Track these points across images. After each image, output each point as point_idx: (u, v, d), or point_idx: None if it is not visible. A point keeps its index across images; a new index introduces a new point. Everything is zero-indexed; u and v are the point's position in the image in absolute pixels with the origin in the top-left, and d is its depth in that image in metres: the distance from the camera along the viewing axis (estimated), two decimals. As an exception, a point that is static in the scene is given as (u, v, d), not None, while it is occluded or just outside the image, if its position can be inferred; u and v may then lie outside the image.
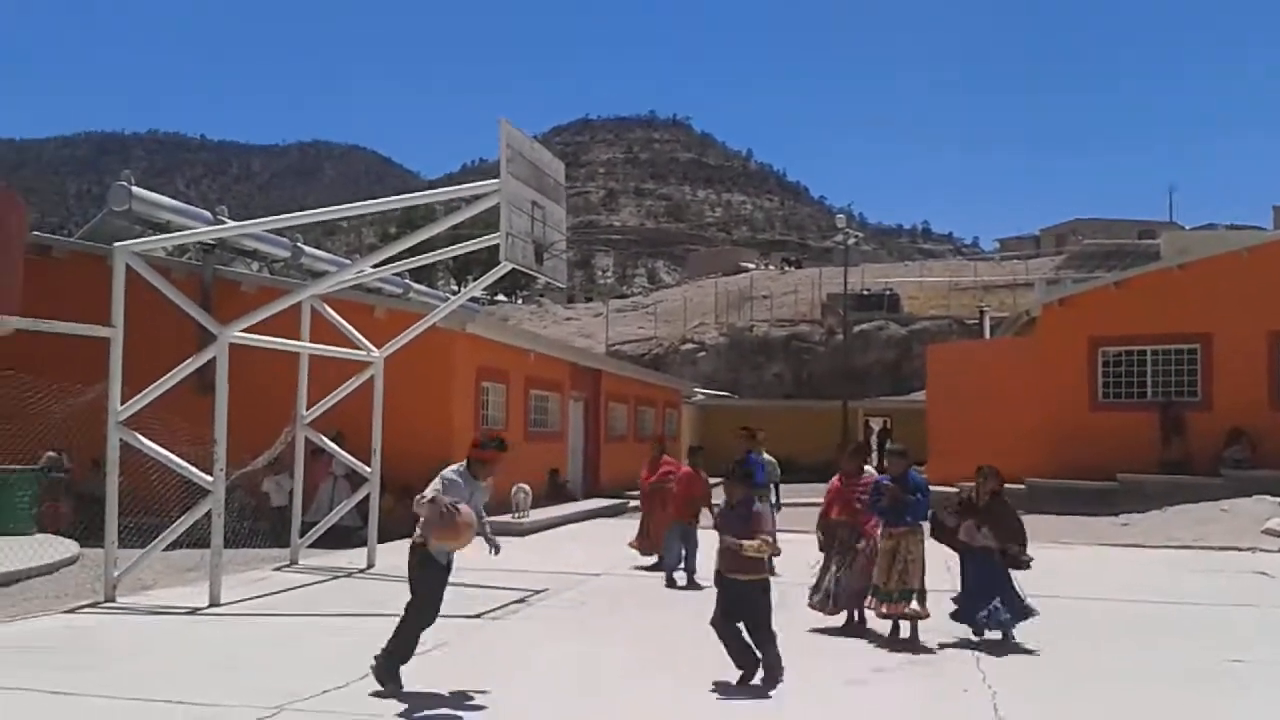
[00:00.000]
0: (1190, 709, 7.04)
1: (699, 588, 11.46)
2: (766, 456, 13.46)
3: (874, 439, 41.30)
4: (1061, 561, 15.09)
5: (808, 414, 40.32)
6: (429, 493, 6.95)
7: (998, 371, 25.08)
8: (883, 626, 9.17)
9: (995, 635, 8.83)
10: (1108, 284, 25.67)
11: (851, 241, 43.68)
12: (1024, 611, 8.94)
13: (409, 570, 7.25)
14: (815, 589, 9.52)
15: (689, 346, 55.66)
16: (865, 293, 56.33)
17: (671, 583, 12.14)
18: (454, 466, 7.40)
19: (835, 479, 9.80)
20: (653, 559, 13.49)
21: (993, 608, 8.75)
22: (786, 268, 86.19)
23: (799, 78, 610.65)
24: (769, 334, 55.20)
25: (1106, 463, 22.03)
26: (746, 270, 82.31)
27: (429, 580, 7.16)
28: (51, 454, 15.91)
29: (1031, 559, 9.24)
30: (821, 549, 9.67)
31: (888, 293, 57.21)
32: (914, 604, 8.84)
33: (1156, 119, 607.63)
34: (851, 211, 54.38)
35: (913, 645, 8.69)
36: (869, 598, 9.09)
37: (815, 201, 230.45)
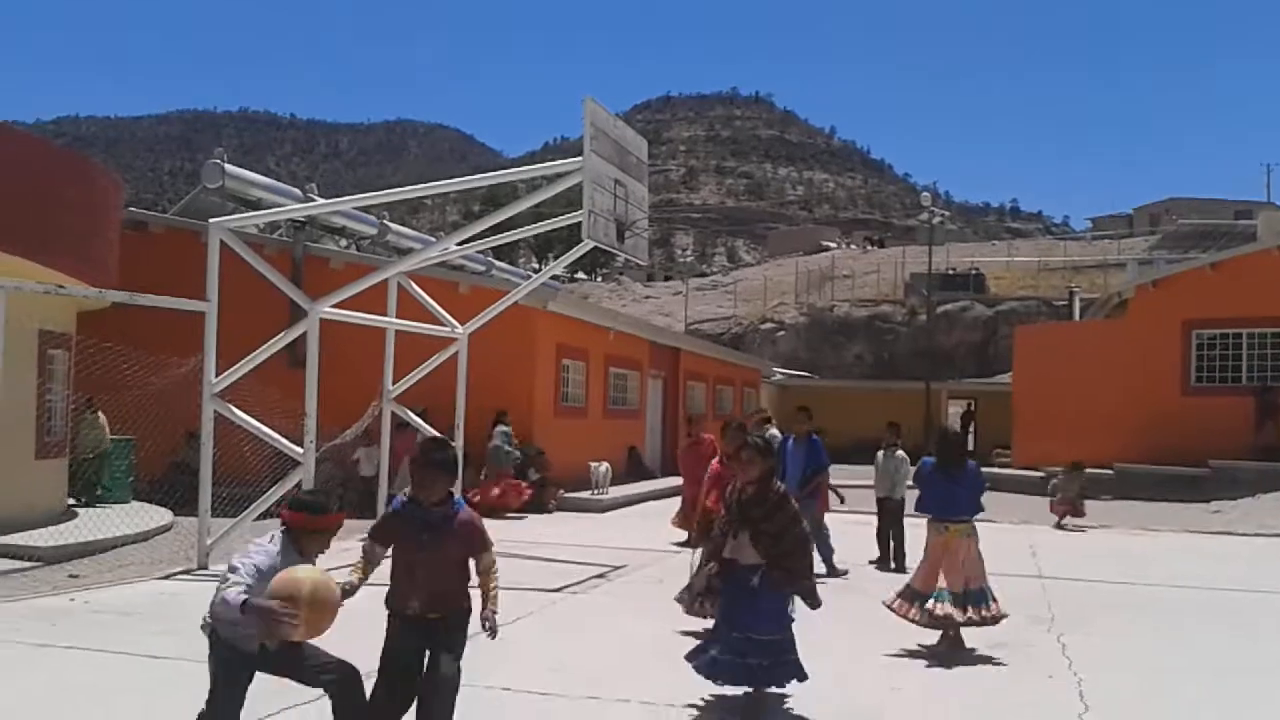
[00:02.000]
0: (1285, 702, 6.86)
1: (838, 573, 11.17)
2: (774, 432, 12.96)
3: (956, 423, 40.70)
4: (1149, 548, 14.79)
5: (889, 395, 39.82)
6: (233, 594, 4.19)
7: (1088, 354, 24.55)
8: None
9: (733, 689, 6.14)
10: (1203, 265, 24.98)
11: (936, 220, 42.95)
12: (780, 670, 6.01)
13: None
14: (687, 585, 7.66)
15: (768, 326, 55.38)
16: (950, 272, 55.44)
17: None
18: (263, 543, 4.56)
19: (715, 462, 8.55)
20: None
21: (712, 657, 5.99)
22: (869, 247, 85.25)
23: (884, 54, 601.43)
24: (850, 314, 54.65)
25: (1198, 448, 21.46)
26: (828, 249, 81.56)
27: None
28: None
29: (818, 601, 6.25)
30: (690, 544, 8.95)
31: (973, 272, 56.21)
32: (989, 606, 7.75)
33: (1254, 96, 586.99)
34: (937, 189, 53.51)
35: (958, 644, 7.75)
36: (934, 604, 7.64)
37: (899, 179, 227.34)
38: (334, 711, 4.63)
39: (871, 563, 11.95)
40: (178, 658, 7.03)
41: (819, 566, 11.17)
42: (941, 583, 7.66)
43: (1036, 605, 9.85)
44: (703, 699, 6.32)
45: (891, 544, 11.98)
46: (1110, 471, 22.24)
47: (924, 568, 7.91)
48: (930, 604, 7.64)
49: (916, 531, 9.44)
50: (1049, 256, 64.76)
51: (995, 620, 7.77)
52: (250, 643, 4.39)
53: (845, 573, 11.21)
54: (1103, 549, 14.58)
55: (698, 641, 6.41)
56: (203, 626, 4.48)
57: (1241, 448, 21.27)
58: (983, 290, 54.70)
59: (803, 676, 6.04)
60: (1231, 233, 53.44)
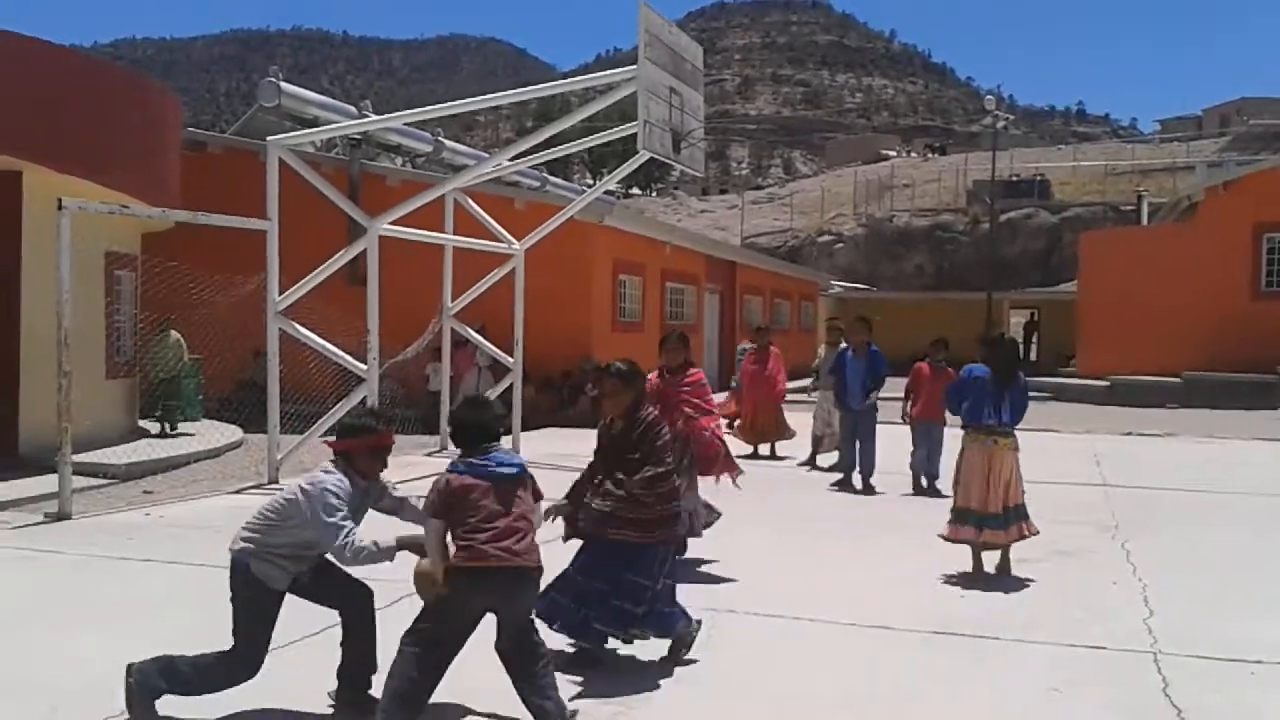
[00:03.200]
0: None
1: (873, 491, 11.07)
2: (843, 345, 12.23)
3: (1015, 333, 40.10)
4: (1216, 456, 14.58)
5: (950, 306, 39.33)
6: (363, 541, 4.27)
7: (1155, 260, 24.00)
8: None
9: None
10: (1275, 167, 24.26)
11: (1000, 125, 42.03)
12: (660, 623, 5.27)
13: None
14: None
15: (826, 238, 54.76)
16: (1014, 179, 54.26)
17: (847, 484, 11.27)
18: (329, 477, 4.42)
19: (653, 375, 7.28)
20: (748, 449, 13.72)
21: (583, 615, 5.16)
22: (930, 154, 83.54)
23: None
24: (910, 224, 53.83)
25: (1269, 355, 21.02)
26: (887, 158, 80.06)
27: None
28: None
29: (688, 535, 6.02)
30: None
31: (1038, 179, 54.94)
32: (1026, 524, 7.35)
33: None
34: (1000, 93, 51.90)
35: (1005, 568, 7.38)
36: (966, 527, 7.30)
37: (962, 84, 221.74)
38: (348, 632, 4.62)
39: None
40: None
41: (856, 480, 11.17)
42: (994, 505, 7.17)
43: (1100, 512, 9.79)
44: (761, 607, 6.39)
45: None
46: (1178, 379, 21.88)
47: (974, 485, 7.26)
48: (992, 531, 7.21)
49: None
50: (1116, 160, 63.01)
51: (1033, 534, 7.39)
52: (281, 581, 4.44)
53: (876, 492, 11.01)
54: (1168, 457, 14.40)
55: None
56: (239, 555, 4.44)
57: (1314, 354, 20.81)
58: (1047, 197, 53.50)
59: (676, 629, 5.35)
60: (1307, 132, 51.57)
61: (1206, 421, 18.28)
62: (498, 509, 4.32)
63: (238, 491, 10.66)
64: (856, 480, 11.25)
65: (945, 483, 9.20)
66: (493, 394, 15.29)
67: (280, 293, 11.33)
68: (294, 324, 11.33)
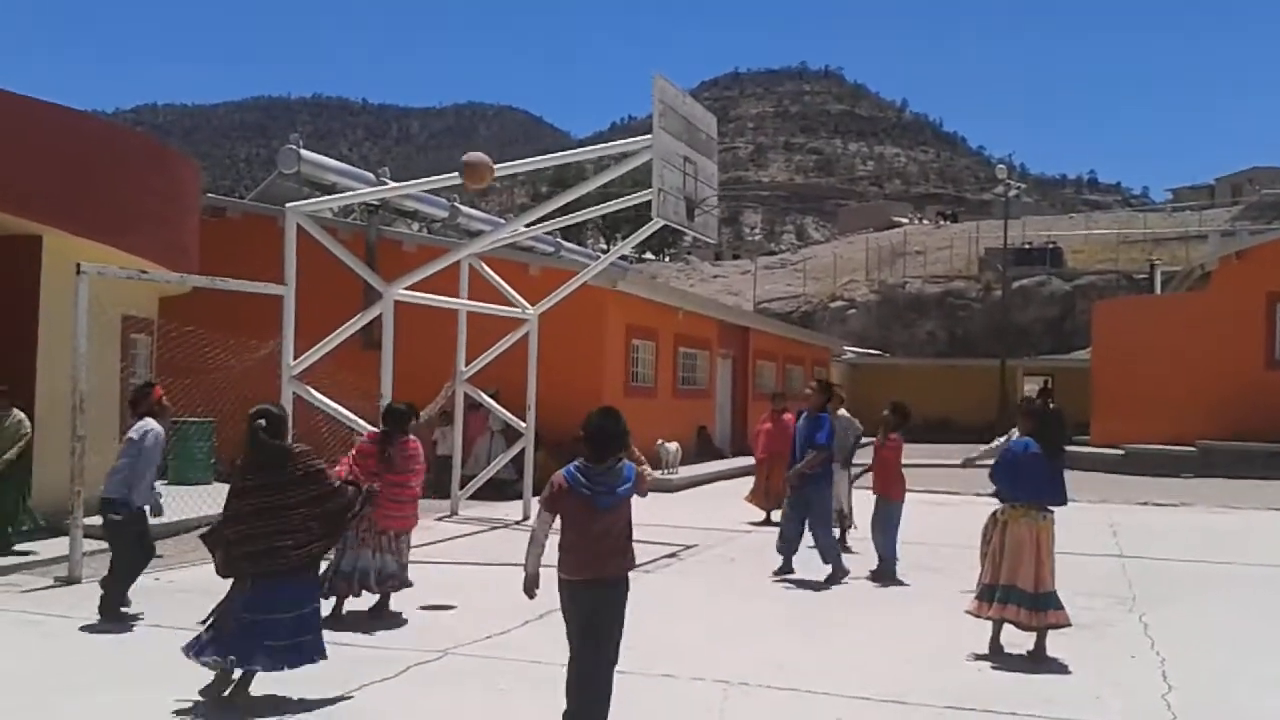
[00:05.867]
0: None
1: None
2: (843, 413, 11.30)
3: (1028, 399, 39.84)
4: (1232, 526, 14.44)
5: (963, 373, 39.31)
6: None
7: (1169, 328, 23.96)
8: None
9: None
10: (1289, 236, 24.21)
11: (1012, 193, 42.16)
12: (299, 651, 5.82)
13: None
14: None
15: (838, 304, 54.85)
16: (1026, 246, 54.40)
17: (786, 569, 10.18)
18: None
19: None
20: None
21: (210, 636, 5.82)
22: (942, 222, 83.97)
23: (956, 23, 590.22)
24: (923, 290, 53.91)
25: (1286, 425, 20.87)
26: (899, 225, 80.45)
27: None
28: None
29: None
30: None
31: (1050, 246, 55.07)
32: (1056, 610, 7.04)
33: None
34: (1012, 162, 52.16)
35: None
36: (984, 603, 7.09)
37: (973, 152, 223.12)
38: None
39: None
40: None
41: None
42: (1044, 585, 6.94)
43: (1117, 584, 9.69)
44: (773, 679, 6.32)
45: None
46: (1193, 448, 21.72)
47: (1024, 562, 6.96)
48: (1047, 613, 6.94)
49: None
50: (1128, 229, 63.19)
51: (1069, 623, 7.09)
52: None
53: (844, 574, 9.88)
54: (1184, 527, 14.26)
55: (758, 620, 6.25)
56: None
57: (1330, 423, 20.66)
58: (1060, 264, 53.59)
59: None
60: (1319, 202, 51.73)
61: (1222, 491, 18.12)
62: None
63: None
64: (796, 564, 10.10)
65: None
66: (505, 458, 15.32)
67: (295, 357, 11.39)
68: (308, 388, 11.37)
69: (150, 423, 8.12)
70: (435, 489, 15.51)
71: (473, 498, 14.55)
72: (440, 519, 13.45)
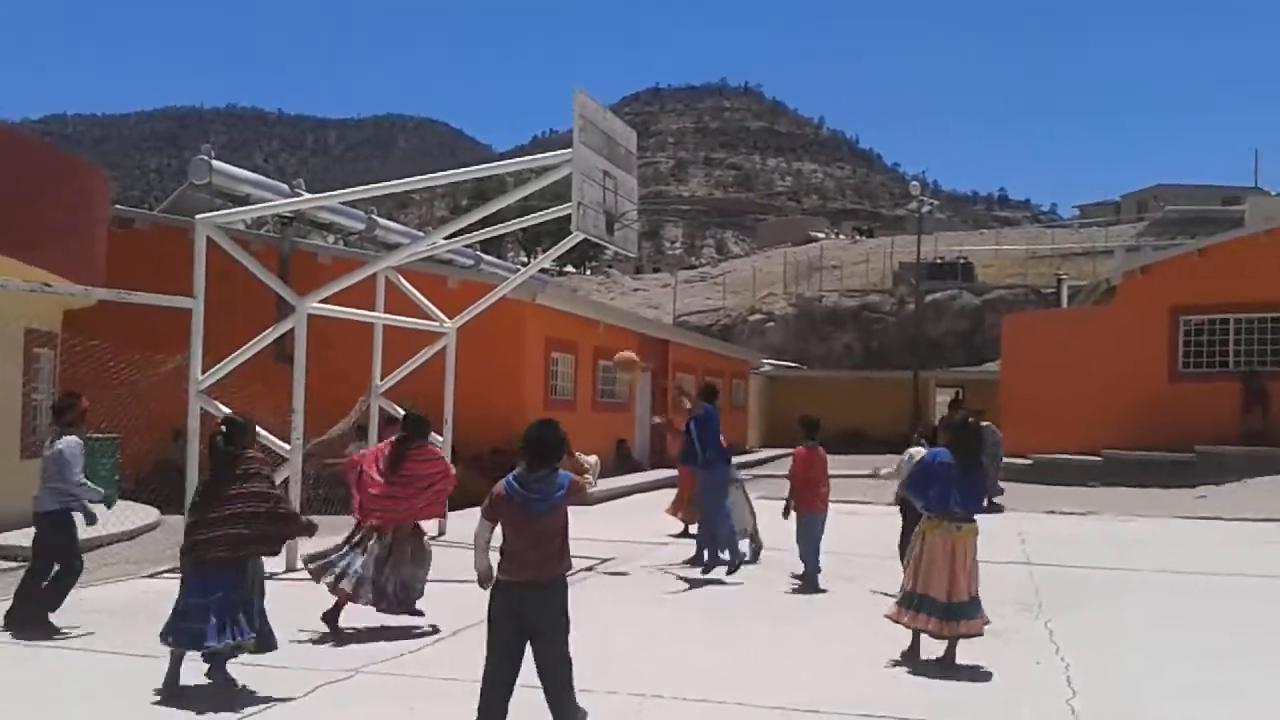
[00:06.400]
0: (1276, 684, 6.90)
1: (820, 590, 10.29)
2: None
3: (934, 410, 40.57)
4: (1136, 534, 14.85)
5: (878, 385, 39.96)
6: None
7: (1075, 341, 24.60)
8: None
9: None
10: (1190, 252, 25.04)
11: (925, 209, 42.99)
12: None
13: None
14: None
15: (757, 317, 55.39)
16: (938, 261, 55.51)
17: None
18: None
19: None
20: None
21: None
22: (858, 237, 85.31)
23: (872, 43, 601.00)
24: (839, 304, 54.71)
25: (1186, 434, 21.53)
26: (816, 240, 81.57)
27: None
28: None
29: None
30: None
31: (961, 261, 56.32)
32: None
33: (1241, 80, 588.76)
34: (925, 179, 53.44)
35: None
36: (913, 613, 7.24)
37: (888, 169, 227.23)
38: None
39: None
40: (163, 655, 7.03)
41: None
42: (958, 594, 7.11)
43: (1024, 591, 9.90)
44: (688, 691, 6.35)
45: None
46: (1099, 458, 22.32)
47: (935, 574, 7.16)
48: (960, 623, 7.10)
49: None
50: (1036, 245, 64.89)
51: (980, 633, 7.29)
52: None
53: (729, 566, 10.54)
54: (1090, 535, 14.65)
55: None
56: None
57: (1228, 433, 21.37)
58: (971, 279, 54.81)
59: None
60: (1219, 219, 53.63)
61: (1127, 500, 18.64)
62: None
63: (153, 575, 10.36)
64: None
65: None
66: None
67: (204, 371, 11.16)
68: (215, 403, 11.15)
69: (71, 435, 8.10)
70: (349, 504, 15.30)
71: (389, 513, 14.34)
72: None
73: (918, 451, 9.38)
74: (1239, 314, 22.75)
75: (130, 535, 12.97)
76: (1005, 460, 24.58)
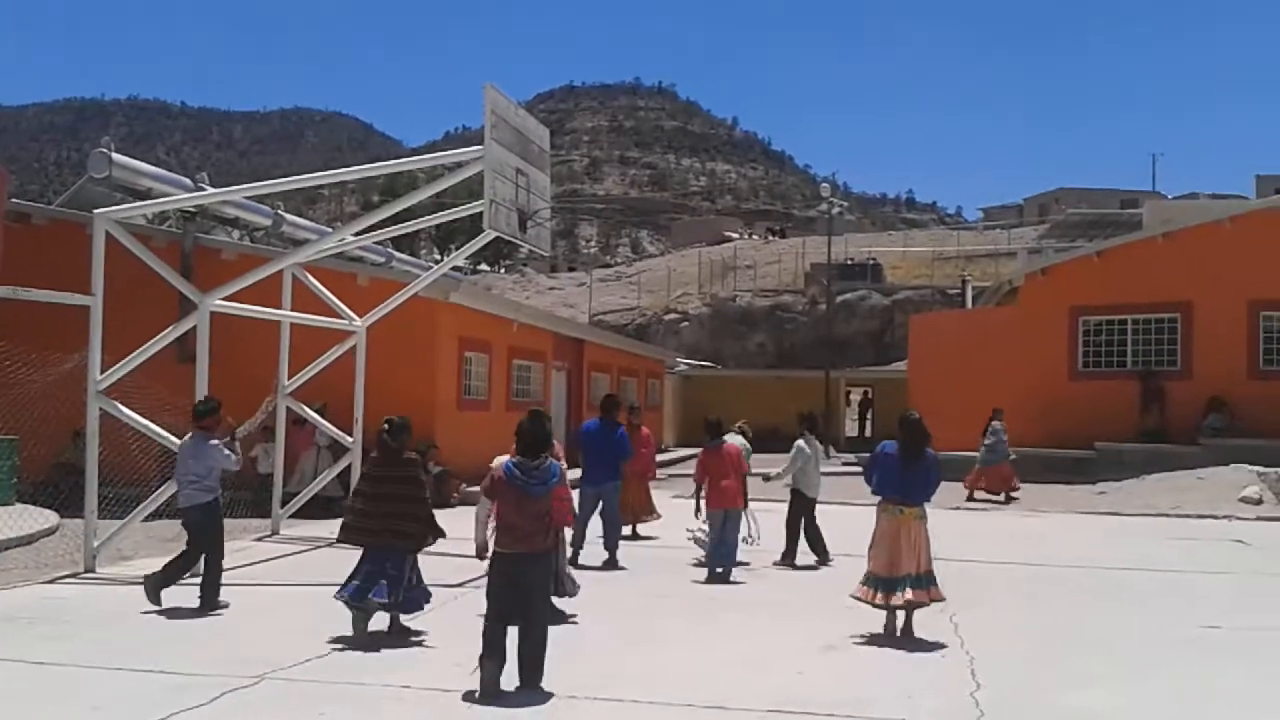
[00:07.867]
0: (1170, 673, 7.13)
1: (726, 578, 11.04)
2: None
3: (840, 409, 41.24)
4: (1038, 529, 15.25)
5: (791, 384, 40.32)
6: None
7: (980, 341, 25.17)
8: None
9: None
10: (1089, 254, 25.78)
11: (835, 211, 43.60)
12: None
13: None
14: None
15: (672, 316, 55.60)
16: (849, 262, 56.31)
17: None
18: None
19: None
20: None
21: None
22: (770, 237, 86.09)
23: (785, 45, 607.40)
24: (752, 304, 55.16)
25: (1086, 432, 22.19)
26: (730, 240, 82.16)
27: None
28: None
29: None
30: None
31: (871, 262, 57.20)
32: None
33: (1140, 87, 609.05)
34: (836, 181, 54.31)
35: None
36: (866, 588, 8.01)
37: (800, 170, 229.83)
38: None
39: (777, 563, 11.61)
40: (67, 663, 6.82)
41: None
42: (906, 568, 7.87)
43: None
44: (600, 691, 6.35)
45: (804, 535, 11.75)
46: (1005, 455, 22.86)
47: (883, 553, 7.98)
48: (898, 593, 7.84)
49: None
50: (943, 246, 66.20)
51: (940, 600, 8.11)
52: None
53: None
54: (995, 531, 15.00)
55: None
56: None
57: (1128, 431, 22.07)
58: (880, 280, 55.71)
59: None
60: (1118, 221, 55.23)
61: (1030, 495, 19.13)
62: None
63: (52, 581, 10.03)
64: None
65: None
66: (331, 474, 14.89)
67: (104, 370, 10.83)
68: (115, 403, 10.83)
69: None
70: (255, 507, 15.00)
71: (295, 516, 14.07)
72: (260, 539, 12.98)
73: (801, 443, 11.61)
74: (1136, 314, 23.49)
75: (28, 540, 12.53)
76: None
